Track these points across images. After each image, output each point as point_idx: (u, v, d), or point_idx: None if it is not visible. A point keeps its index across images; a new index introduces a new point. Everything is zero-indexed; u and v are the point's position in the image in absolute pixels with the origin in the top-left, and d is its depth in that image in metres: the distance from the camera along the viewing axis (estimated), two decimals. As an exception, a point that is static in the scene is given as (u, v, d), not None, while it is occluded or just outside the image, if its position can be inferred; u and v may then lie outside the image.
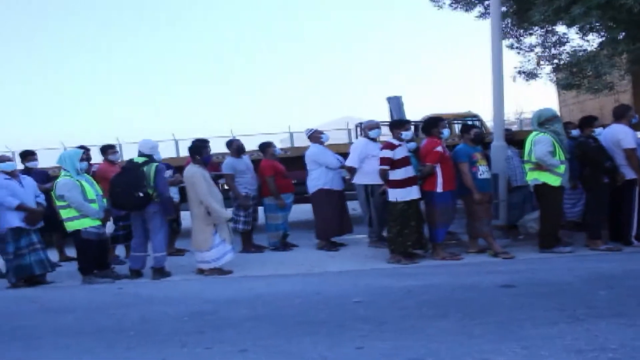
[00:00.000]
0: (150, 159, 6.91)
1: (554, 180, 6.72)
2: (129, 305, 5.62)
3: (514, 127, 19.52)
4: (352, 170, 7.96)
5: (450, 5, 11.64)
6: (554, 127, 6.81)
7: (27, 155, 8.22)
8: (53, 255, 7.65)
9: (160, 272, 6.90)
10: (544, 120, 6.86)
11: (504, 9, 10.32)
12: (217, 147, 9.31)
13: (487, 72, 8.27)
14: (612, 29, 9.67)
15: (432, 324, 4.30)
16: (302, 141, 12.74)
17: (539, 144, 6.70)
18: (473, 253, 7.15)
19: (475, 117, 14.19)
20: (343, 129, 18.41)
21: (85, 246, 6.73)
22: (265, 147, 8.37)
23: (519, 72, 11.65)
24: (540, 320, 4.21)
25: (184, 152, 12.41)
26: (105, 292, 6.31)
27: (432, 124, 7.15)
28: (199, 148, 7.03)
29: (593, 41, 10.87)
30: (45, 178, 8.14)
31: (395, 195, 6.79)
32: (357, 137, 12.65)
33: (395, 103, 11.41)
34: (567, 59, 10.95)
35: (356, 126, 13.61)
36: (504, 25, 10.84)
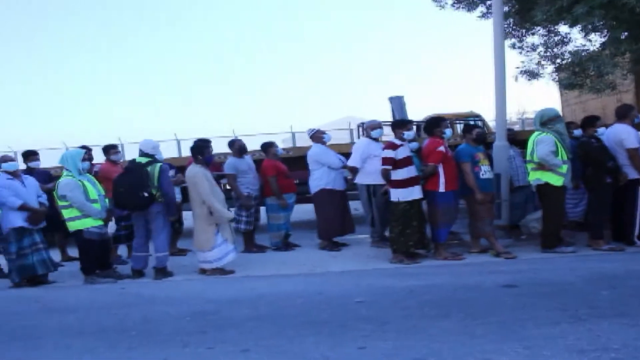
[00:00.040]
0: (153, 159, 6.92)
1: (556, 180, 6.71)
2: (131, 305, 5.62)
3: (516, 127, 19.49)
4: (354, 170, 7.95)
5: (452, 5, 11.63)
6: (557, 127, 6.80)
7: (30, 155, 8.22)
8: (55, 255, 7.66)
9: (162, 272, 6.90)
10: (546, 120, 6.85)
11: (506, 8, 10.33)
12: (219, 147, 9.32)
13: (490, 71, 8.28)
14: (614, 29, 9.67)
15: (434, 324, 4.29)
16: (304, 141, 12.75)
17: (541, 143, 6.69)
18: (475, 253, 7.14)
19: (477, 117, 14.17)
20: (345, 129, 18.41)
21: (87, 246, 6.73)
22: (268, 147, 8.37)
23: (522, 72, 11.64)
24: (543, 320, 4.21)
25: (186, 152, 12.41)
26: (107, 292, 6.31)
27: (434, 124, 7.15)
28: (201, 148, 7.04)
29: (595, 41, 10.88)
30: (47, 178, 8.15)
31: (398, 195, 6.79)
32: (359, 137, 12.64)
33: (397, 103, 11.43)
34: (570, 58, 10.95)
35: (358, 126, 13.59)
36: (506, 25, 10.85)
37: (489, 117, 14.10)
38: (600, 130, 7.39)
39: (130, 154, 13.58)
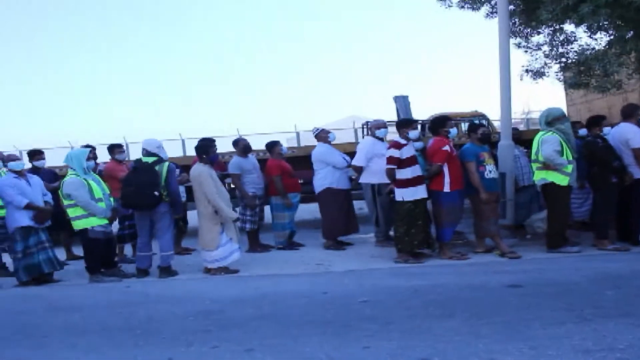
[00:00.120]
0: (159, 158, 6.94)
1: (561, 180, 6.69)
2: (136, 304, 5.64)
3: (521, 127, 19.47)
4: (359, 170, 7.95)
5: (457, 4, 11.61)
6: (562, 126, 6.78)
7: (35, 154, 8.25)
8: (60, 253, 7.67)
9: (166, 271, 6.92)
10: (552, 120, 6.83)
11: (511, 7, 10.29)
12: (224, 146, 9.33)
13: (495, 71, 8.26)
14: (620, 28, 9.64)
15: (439, 324, 4.29)
16: (308, 140, 12.76)
17: (546, 143, 6.67)
18: (480, 253, 7.12)
19: (482, 116, 14.17)
20: (350, 128, 18.42)
21: (92, 245, 6.75)
22: (272, 146, 8.37)
23: (527, 71, 11.62)
24: (548, 320, 4.20)
25: (190, 152, 12.42)
26: (112, 291, 6.33)
27: (439, 123, 7.14)
28: (206, 147, 7.04)
29: (601, 40, 10.83)
30: (53, 177, 8.18)
31: (402, 194, 6.78)
32: (363, 137, 12.64)
33: (402, 102, 11.40)
34: (575, 57, 10.91)
35: (363, 125, 13.60)
36: (511, 24, 10.81)
37: (494, 116, 14.08)
38: (606, 129, 7.37)
39: (134, 153, 13.61)
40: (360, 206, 9.50)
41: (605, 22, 9.50)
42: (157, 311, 5.27)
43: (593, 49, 10.65)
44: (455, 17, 72.82)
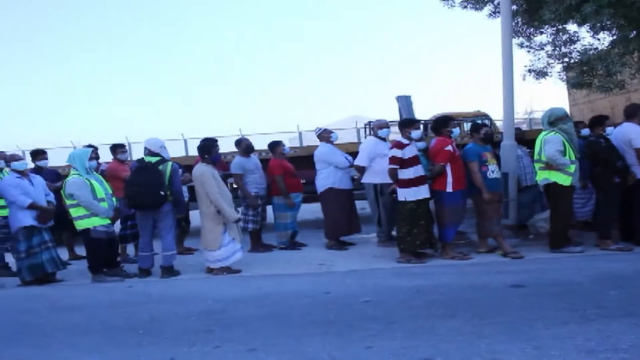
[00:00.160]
0: (162, 158, 6.94)
1: (564, 180, 6.68)
2: (138, 303, 5.64)
3: (524, 126, 19.44)
4: (361, 170, 7.94)
5: (460, 4, 11.59)
6: (565, 126, 6.77)
7: (38, 154, 8.26)
8: (63, 253, 7.68)
9: (169, 271, 6.92)
10: (554, 120, 6.82)
11: (514, 7, 10.27)
12: (226, 146, 9.33)
13: (497, 70, 8.25)
14: (623, 28, 9.62)
15: (442, 324, 4.28)
16: (311, 140, 12.76)
17: (549, 143, 6.66)
18: (483, 253, 7.11)
19: (484, 116, 14.15)
20: (352, 128, 18.42)
21: (95, 245, 6.75)
22: (275, 146, 8.37)
23: (529, 71, 11.59)
24: (551, 320, 4.19)
25: (193, 152, 12.44)
26: (114, 291, 6.33)
27: (442, 123, 7.13)
28: (208, 147, 7.04)
29: (604, 40, 10.82)
30: (55, 177, 8.19)
31: (405, 194, 6.77)
32: (366, 137, 12.64)
33: (404, 102, 11.41)
34: (578, 57, 10.89)
35: (365, 125, 13.60)
36: (514, 24, 10.80)
37: (496, 116, 14.07)
38: (609, 129, 7.36)
39: (137, 153, 13.63)
40: (362, 206, 9.50)
41: (608, 22, 9.48)
42: (159, 311, 5.27)
43: (596, 48, 10.63)
44: (458, 17, 72.68)
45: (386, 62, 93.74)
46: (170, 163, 6.96)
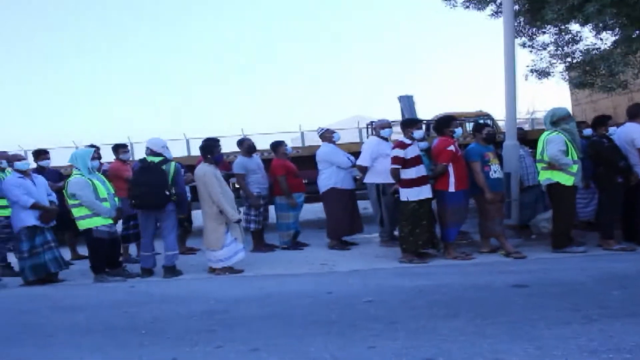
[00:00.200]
0: (164, 158, 6.94)
1: (566, 180, 6.67)
2: (141, 303, 5.64)
3: (526, 126, 19.40)
4: (364, 170, 7.94)
5: (462, 4, 11.58)
6: (567, 126, 6.76)
7: (40, 154, 8.26)
8: (65, 253, 7.69)
9: (171, 271, 6.92)
10: (557, 120, 6.81)
11: (516, 7, 10.27)
12: (228, 146, 9.32)
13: (500, 70, 8.25)
14: (626, 27, 9.60)
15: (444, 324, 4.27)
16: (313, 140, 12.75)
17: (551, 143, 6.66)
18: (485, 253, 7.11)
19: (486, 116, 14.13)
20: (354, 128, 18.38)
21: (97, 245, 6.75)
22: (277, 146, 8.37)
23: (532, 71, 11.58)
24: (554, 321, 4.18)
25: (195, 152, 12.43)
26: (116, 291, 6.33)
27: (444, 123, 7.12)
28: (211, 147, 7.04)
29: (607, 39, 10.80)
30: (58, 177, 8.19)
31: (407, 194, 6.77)
32: (368, 137, 12.63)
33: (406, 102, 11.41)
34: (581, 57, 10.88)
35: (367, 125, 13.58)
36: (516, 24, 10.79)
37: (499, 116, 14.05)
38: (611, 129, 7.34)
39: (139, 153, 13.62)
40: (364, 206, 9.49)
41: (611, 22, 9.46)
42: (161, 311, 5.27)
43: (598, 48, 10.62)
44: (460, 17, 72.53)
45: (388, 62, 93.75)
46: (173, 163, 6.97)
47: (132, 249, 8.16)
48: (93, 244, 6.78)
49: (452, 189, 6.80)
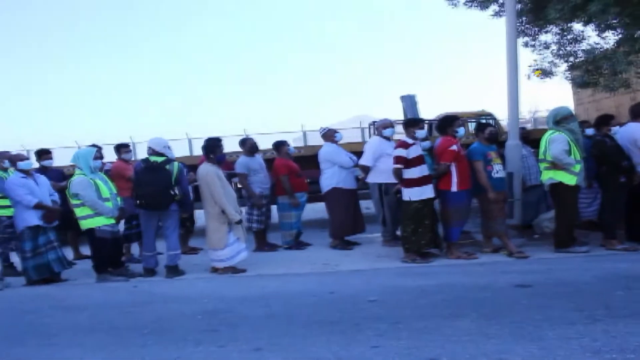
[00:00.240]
0: (167, 158, 6.94)
1: (569, 180, 6.65)
2: (143, 303, 5.64)
3: (529, 126, 19.40)
4: (366, 169, 7.93)
5: (465, 3, 11.58)
6: (570, 125, 6.75)
7: (43, 154, 8.27)
8: (68, 253, 7.69)
9: (174, 271, 6.92)
10: (560, 119, 6.80)
11: (519, 6, 10.26)
12: (231, 146, 9.33)
13: (502, 70, 8.22)
14: (629, 26, 9.59)
15: (447, 324, 4.27)
16: (315, 140, 12.74)
17: (554, 142, 6.64)
18: (488, 252, 7.10)
19: (489, 115, 14.11)
20: (357, 127, 18.40)
21: (100, 244, 6.75)
22: (279, 145, 8.37)
23: (534, 70, 11.56)
24: (557, 321, 4.17)
25: (197, 151, 12.44)
26: (119, 290, 6.34)
27: (447, 123, 7.11)
28: (213, 147, 7.03)
29: (610, 39, 10.79)
30: (60, 176, 8.20)
31: (410, 194, 6.76)
32: (370, 136, 12.62)
33: (409, 102, 11.39)
34: (583, 56, 10.87)
35: (370, 125, 13.57)
36: (519, 23, 10.78)
37: (501, 115, 14.03)
38: (614, 129, 7.33)
39: (141, 152, 13.64)
40: (367, 206, 9.49)
41: (614, 21, 9.46)
42: (164, 311, 5.27)
43: (601, 47, 10.62)
44: (463, 16, 72.67)
45: (390, 62, 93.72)
46: (177, 163, 6.98)
47: (135, 248, 8.16)
48: (96, 243, 6.78)
49: (454, 188, 6.79)
